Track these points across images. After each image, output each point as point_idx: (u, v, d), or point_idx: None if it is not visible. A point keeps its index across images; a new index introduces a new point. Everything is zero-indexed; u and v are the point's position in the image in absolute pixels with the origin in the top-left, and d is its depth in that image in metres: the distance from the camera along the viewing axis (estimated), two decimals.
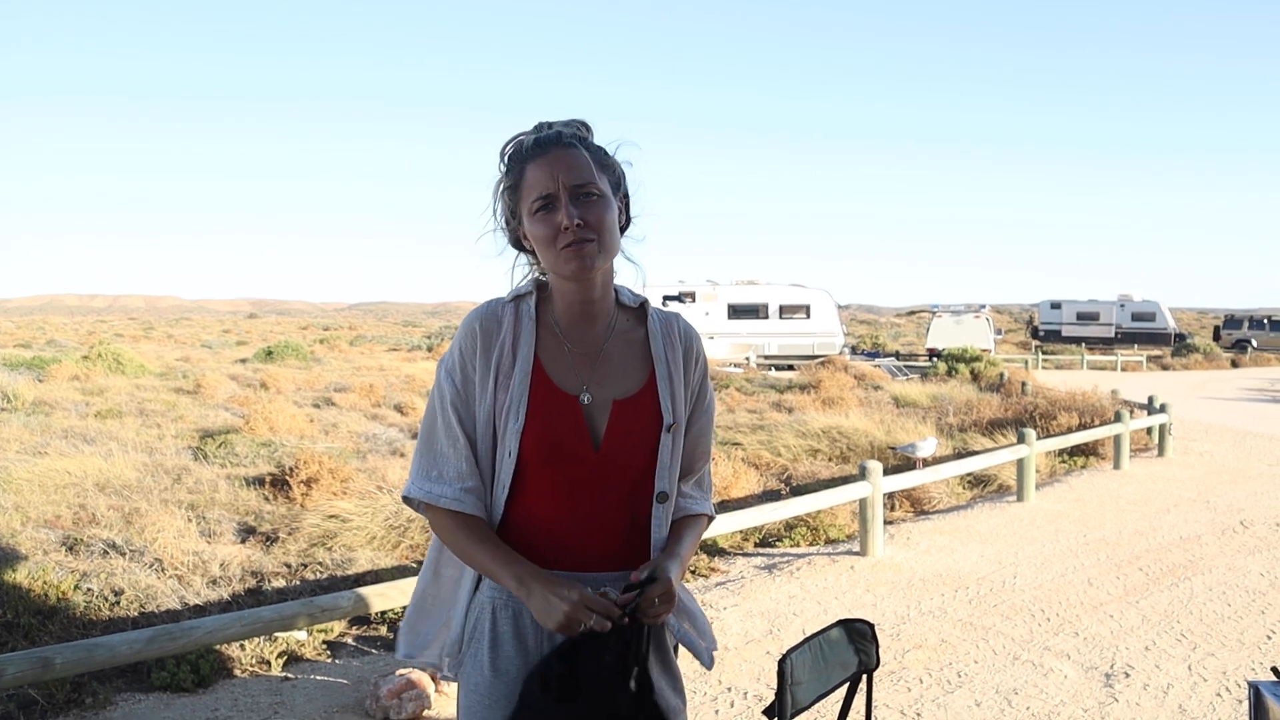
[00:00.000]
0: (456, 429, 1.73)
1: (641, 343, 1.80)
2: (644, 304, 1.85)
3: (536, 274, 1.83)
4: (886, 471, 7.73)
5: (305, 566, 6.47)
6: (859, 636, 2.44)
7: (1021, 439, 9.17)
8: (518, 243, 1.79)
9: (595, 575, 1.72)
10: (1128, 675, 4.67)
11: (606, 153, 1.76)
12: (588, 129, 1.76)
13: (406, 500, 1.78)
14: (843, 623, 2.44)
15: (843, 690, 2.44)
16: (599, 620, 1.56)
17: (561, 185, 1.66)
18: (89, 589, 5.64)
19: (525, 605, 1.66)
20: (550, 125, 1.73)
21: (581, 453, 1.70)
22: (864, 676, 2.44)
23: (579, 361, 1.75)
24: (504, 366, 1.72)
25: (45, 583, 5.58)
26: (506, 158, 1.75)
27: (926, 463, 9.57)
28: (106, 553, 6.39)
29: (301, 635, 5.06)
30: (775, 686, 2.21)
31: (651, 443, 1.75)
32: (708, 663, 1.90)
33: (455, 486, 1.72)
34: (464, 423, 1.73)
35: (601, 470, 1.71)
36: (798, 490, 9.12)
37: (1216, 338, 44.35)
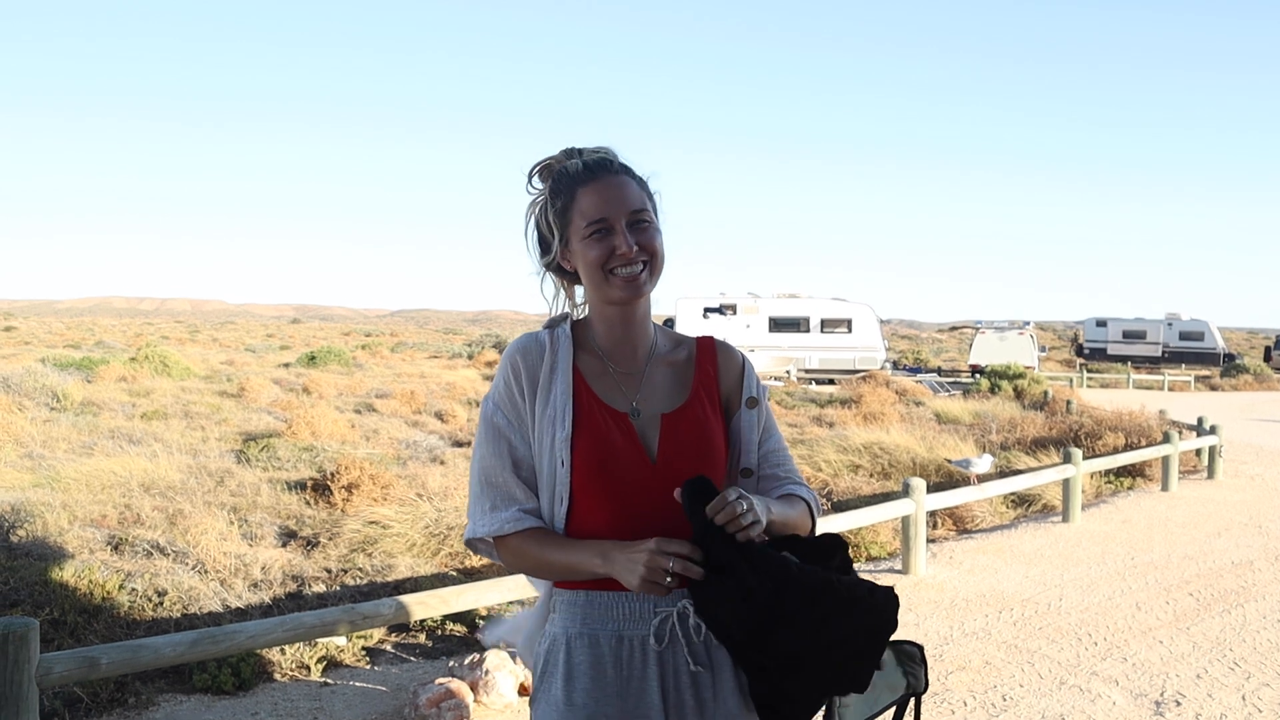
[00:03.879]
0: (508, 458, 1.73)
1: (682, 363, 1.83)
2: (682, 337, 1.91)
3: (566, 307, 1.85)
4: (929, 489, 7.63)
5: (345, 572, 6.50)
6: (907, 658, 2.39)
7: (1067, 458, 9.02)
8: (557, 267, 1.81)
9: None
10: (1179, 704, 4.56)
11: (647, 183, 1.79)
12: (603, 153, 1.80)
13: (471, 545, 1.77)
14: (891, 644, 2.39)
15: (889, 713, 2.39)
16: (683, 564, 1.55)
17: (618, 212, 1.70)
18: (133, 589, 5.70)
19: (601, 630, 1.67)
20: (581, 151, 1.77)
21: (638, 466, 1.70)
22: (912, 699, 2.40)
23: (624, 381, 1.77)
24: (545, 385, 1.74)
25: (91, 581, 5.64)
26: (553, 180, 1.76)
27: (980, 478, 9.43)
28: (150, 553, 6.46)
29: (341, 641, 5.08)
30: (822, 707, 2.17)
31: (704, 451, 1.75)
32: None
33: (514, 509, 1.72)
34: (516, 450, 1.73)
35: (658, 483, 1.70)
36: (839, 506, 9.04)
37: (1267, 358, 43.52)
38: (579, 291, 1.83)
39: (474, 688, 4.39)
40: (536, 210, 1.79)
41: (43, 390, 14.71)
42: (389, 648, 5.31)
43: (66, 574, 5.74)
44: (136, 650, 3.42)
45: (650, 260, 1.72)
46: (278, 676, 4.77)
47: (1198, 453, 12.63)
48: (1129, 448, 12.38)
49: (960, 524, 8.82)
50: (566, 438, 1.70)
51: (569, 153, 1.77)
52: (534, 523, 1.71)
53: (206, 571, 6.18)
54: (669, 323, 32.63)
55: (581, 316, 1.85)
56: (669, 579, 1.55)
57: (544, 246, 1.80)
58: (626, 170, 1.75)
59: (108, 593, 5.56)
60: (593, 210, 1.70)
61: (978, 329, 35.92)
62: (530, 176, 1.80)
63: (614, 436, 1.71)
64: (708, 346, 1.87)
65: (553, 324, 1.81)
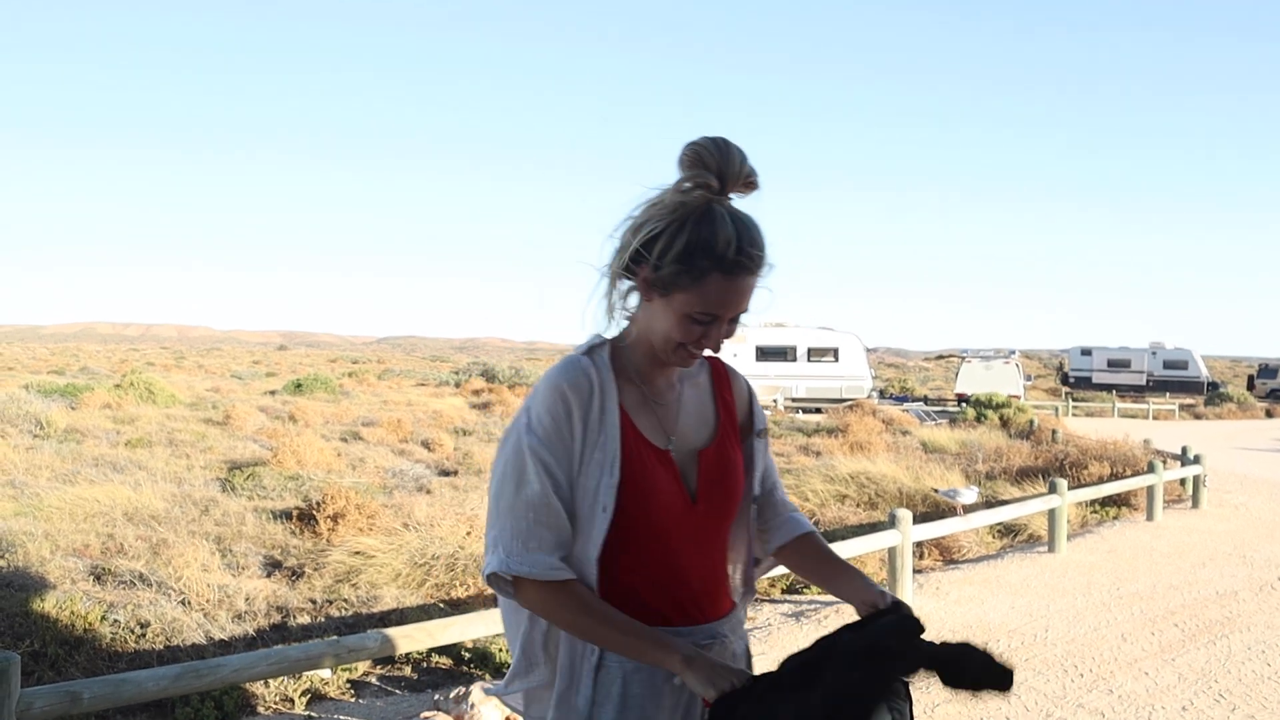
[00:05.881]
0: (552, 495, 1.63)
1: (704, 387, 1.84)
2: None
3: (612, 318, 1.75)
4: (916, 519, 7.64)
5: (330, 603, 6.47)
6: (892, 693, 2.39)
7: (1053, 488, 9.05)
8: (628, 272, 1.69)
9: (696, 628, 1.72)
10: None
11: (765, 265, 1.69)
12: (754, 180, 1.66)
13: (492, 579, 1.65)
14: None
15: None
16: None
17: (729, 313, 1.66)
18: (115, 620, 5.66)
19: (657, 669, 1.64)
20: (734, 166, 1.62)
21: (679, 506, 1.70)
22: None
23: (661, 413, 1.75)
24: (594, 422, 1.66)
25: (73, 613, 5.60)
26: (696, 235, 1.60)
27: (966, 509, 9.45)
28: (133, 584, 6.41)
29: (326, 674, 5.05)
30: None
31: (734, 488, 1.79)
32: None
33: (557, 555, 1.63)
34: (559, 489, 1.64)
35: (698, 520, 1.72)
36: (826, 537, 9.03)
37: (1250, 387, 43.87)
38: (633, 298, 1.73)
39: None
40: (658, 230, 1.61)
41: (26, 417, 14.63)
42: (374, 680, 5.27)
43: (48, 605, 5.69)
44: (119, 685, 3.39)
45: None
46: (261, 709, 4.73)
47: (1182, 482, 12.68)
48: (1114, 477, 12.42)
49: (947, 554, 8.83)
50: (614, 484, 1.64)
51: (723, 151, 1.61)
52: (572, 575, 1.63)
53: (190, 603, 6.14)
54: None
55: (616, 335, 1.76)
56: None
57: (634, 256, 1.64)
58: (762, 269, 1.66)
59: (90, 624, 5.52)
60: (714, 303, 1.62)
61: (963, 358, 36.10)
62: (682, 164, 1.62)
63: (658, 476, 1.69)
64: (722, 372, 1.88)
65: (591, 350, 1.73)
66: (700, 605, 1.73)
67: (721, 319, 1.65)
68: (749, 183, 1.65)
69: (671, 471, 1.70)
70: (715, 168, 1.60)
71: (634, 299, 1.72)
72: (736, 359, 30.70)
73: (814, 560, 1.87)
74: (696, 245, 1.59)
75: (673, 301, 1.63)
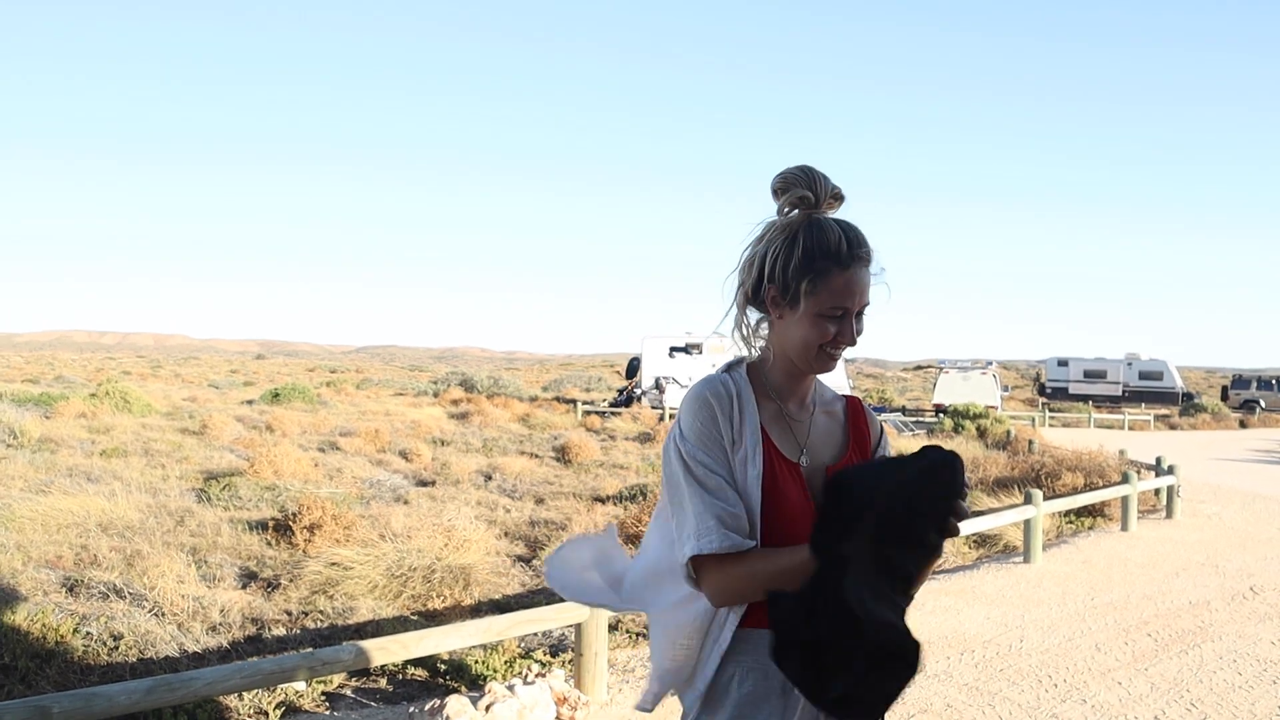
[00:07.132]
0: (728, 486, 1.77)
1: (839, 416, 1.96)
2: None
3: (745, 349, 1.91)
4: None
5: (306, 614, 6.43)
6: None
7: (1028, 499, 9.11)
8: (755, 300, 1.86)
9: None
10: None
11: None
12: (840, 194, 1.84)
13: (696, 559, 1.74)
14: None
15: None
16: None
17: (856, 303, 1.80)
18: (88, 633, 5.61)
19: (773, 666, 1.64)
20: (822, 184, 1.80)
21: (804, 515, 1.79)
22: None
23: (796, 429, 1.88)
24: (736, 424, 1.81)
25: (44, 625, 5.54)
26: (810, 241, 1.78)
27: None
28: (107, 596, 6.36)
29: (300, 686, 5.02)
30: None
31: None
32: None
33: (738, 535, 1.74)
34: (718, 480, 1.77)
35: None
36: None
37: (1224, 397, 44.23)
38: (763, 326, 1.89)
39: None
40: (774, 251, 1.81)
41: None
42: (349, 693, 5.24)
43: (19, 617, 5.63)
44: (90, 699, 3.37)
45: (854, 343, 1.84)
46: None
47: (1156, 492, 12.79)
48: (1089, 488, 12.51)
49: None
50: (758, 475, 1.78)
51: (808, 177, 1.80)
52: (755, 543, 1.74)
53: (164, 614, 6.09)
54: (635, 361, 32.61)
55: (754, 357, 1.91)
56: None
57: (758, 278, 1.84)
58: (871, 263, 1.82)
59: (61, 637, 5.47)
60: (842, 297, 1.78)
61: (941, 368, 36.23)
62: (776, 192, 1.82)
63: (787, 484, 1.81)
64: (859, 408, 2.00)
65: (730, 368, 1.90)
66: None
67: (850, 313, 1.79)
68: (836, 196, 1.83)
69: (800, 482, 1.82)
70: (806, 187, 1.80)
71: (764, 328, 1.89)
72: (716, 369, 30.71)
73: None
74: (813, 249, 1.78)
75: (802, 307, 1.79)
